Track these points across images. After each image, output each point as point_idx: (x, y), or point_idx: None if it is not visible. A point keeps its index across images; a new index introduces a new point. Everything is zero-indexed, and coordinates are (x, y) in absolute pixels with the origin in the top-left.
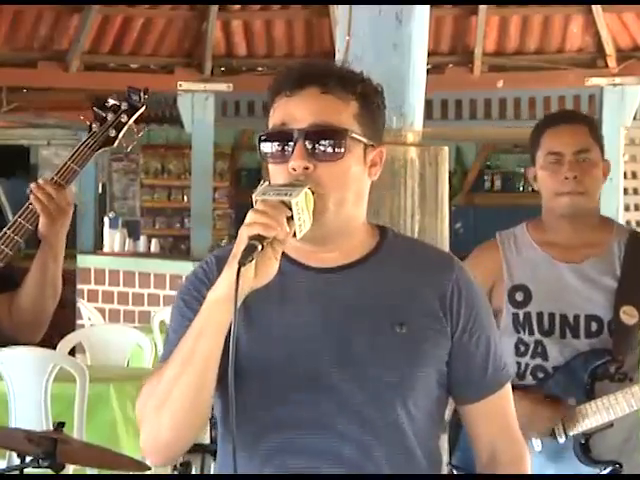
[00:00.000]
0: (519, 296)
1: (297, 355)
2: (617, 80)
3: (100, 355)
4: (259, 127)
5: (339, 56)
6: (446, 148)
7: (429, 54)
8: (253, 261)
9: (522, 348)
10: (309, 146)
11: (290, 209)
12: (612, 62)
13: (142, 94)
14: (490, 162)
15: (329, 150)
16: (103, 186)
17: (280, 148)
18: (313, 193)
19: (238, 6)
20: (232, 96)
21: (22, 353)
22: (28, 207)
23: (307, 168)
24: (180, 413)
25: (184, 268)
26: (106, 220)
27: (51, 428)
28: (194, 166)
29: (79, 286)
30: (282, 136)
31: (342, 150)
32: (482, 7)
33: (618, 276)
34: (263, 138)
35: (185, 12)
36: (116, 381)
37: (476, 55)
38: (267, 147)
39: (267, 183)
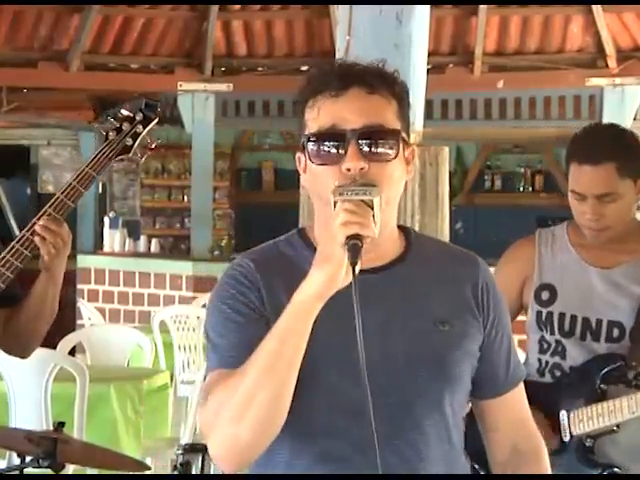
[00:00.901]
0: (545, 295)
1: (345, 356)
2: (617, 80)
3: (100, 355)
4: (259, 127)
5: (339, 56)
6: (446, 148)
7: (429, 54)
8: (360, 260)
9: (545, 345)
10: (363, 147)
11: (372, 208)
12: (612, 62)
13: (157, 106)
14: (490, 162)
15: (383, 150)
16: (103, 186)
17: (332, 149)
18: None
19: (238, 6)
20: (232, 96)
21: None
22: (25, 235)
23: (362, 168)
24: (262, 418)
25: (184, 268)
26: (106, 220)
27: (51, 428)
28: (194, 166)
29: (79, 286)
30: (334, 137)
31: (395, 150)
32: (482, 7)
33: None
34: (313, 139)
35: (185, 12)
36: (116, 381)
37: (476, 55)
38: (315, 149)
39: (337, 184)
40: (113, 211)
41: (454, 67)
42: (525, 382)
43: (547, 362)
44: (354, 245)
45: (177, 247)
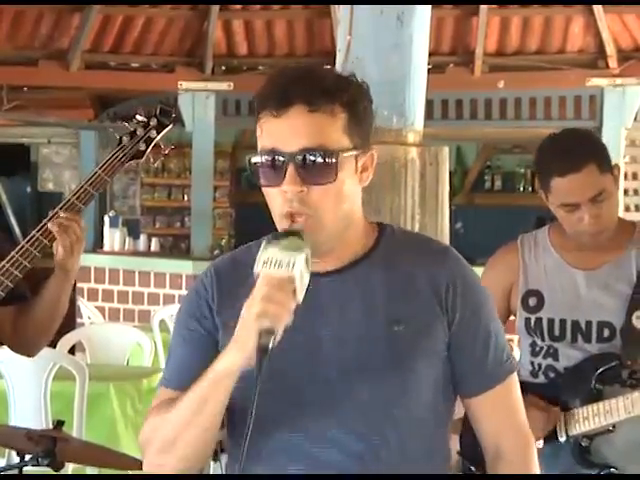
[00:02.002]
0: (532, 301)
1: (299, 359)
2: (618, 81)
3: (100, 354)
4: None
5: (340, 56)
6: (446, 148)
7: (430, 54)
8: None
9: (537, 349)
10: (301, 170)
11: (293, 282)
12: (613, 63)
13: (173, 112)
14: (490, 162)
15: (322, 173)
16: None
17: (271, 171)
18: (310, 217)
19: (239, 6)
20: (233, 95)
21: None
22: (35, 235)
23: (301, 192)
24: (190, 454)
25: (184, 267)
26: (106, 219)
27: (51, 426)
28: (194, 165)
29: (79, 284)
30: (273, 160)
31: (334, 172)
32: (483, 7)
33: (634, 282)
34: (254, 161)
35: (186, 11)
36: (116, 380)
37: (477, 55)
38: (259, 169)
39: (264, 243)
40: (113, 210)
41: (455, 67)
42: (520, 383)
43: (540, 364)
44: (264, 345)
45: (177, 246)
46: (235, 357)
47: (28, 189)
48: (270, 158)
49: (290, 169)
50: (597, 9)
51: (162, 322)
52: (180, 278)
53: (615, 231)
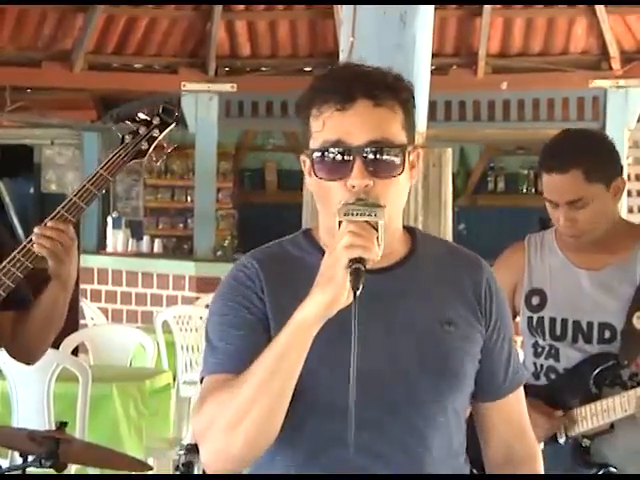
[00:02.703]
0: (535, 300)
1: (347, 358)
2: (621, 82)
3: (103, 355)
4: (263, 127)
5: (343, 57)
6: (450, 149)
7: (433, 55)
8: (362, 284)
9: (539, 349)
10: (369, 163)
11: (376, 230)
12: (616, 64)
13: (175, 111)
14: (493, 163)
15: (389, 167)
16: None
17: (338, 165)
18: None
19: (242, 6)
20: (236, 96)
21: None
22: (26, 246)
23: (367, 185)
24: (255, 432)
25: (187, 268)
26: (109, 220)
27: (54, 428)
28: (198, 166)
29: (82, 286)
30: (339, 153)
31: (401, 166)
32: (486, 9)
33: (637, 284)
34: (318, 154)
35: (189, 12)
36: (119, 381)
37: (480, 56)
38: (322, 163)
39: (343, 202)
40: (116, 211)
41: (458, 68)
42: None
43: (542, 365)
44: (357, 269)
45: (180, 247)
46: (321, 298)
47: (31, 190)
48: (336, 151)
49: (358, 162)
50: (600, 11)
51: (165, 323)
52: (183, 279)
53: (621, 233)
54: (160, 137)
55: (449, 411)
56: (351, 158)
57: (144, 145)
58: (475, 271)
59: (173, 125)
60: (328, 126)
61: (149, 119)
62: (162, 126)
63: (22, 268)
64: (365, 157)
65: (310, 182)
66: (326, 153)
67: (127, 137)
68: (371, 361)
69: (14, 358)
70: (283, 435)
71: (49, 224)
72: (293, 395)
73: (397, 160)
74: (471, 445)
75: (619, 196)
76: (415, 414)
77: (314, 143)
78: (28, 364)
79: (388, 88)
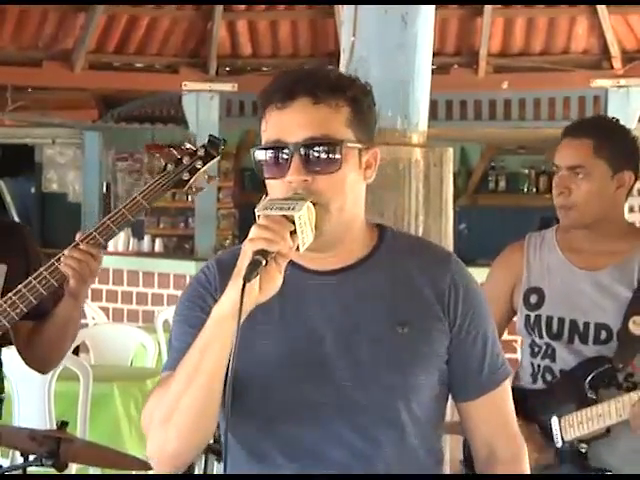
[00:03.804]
0: (533, 298)
1: (300, 358)
2: (622, 82)
3: (103, 354)
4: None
5: (344, 56)
6: (450, 149)
7: (434, 55)
8: (258, 276)
9: (536, 349)
10: (305, 160)
11: (293, 223)
12: (617, 63)
13: (221, 144)
14: (494, 163)
15: (326, 163)
16: (107, 186)
17: (276, 163)
18: (315, 204)
19: (243, 6)
20: (237, 96)
21: None
22: (54, 264)
23: (305, 181)
24: (187, 426)
25: (188, 268)
26: None
27: (54, 427)
28: None
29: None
30: (277, 151)
31: (339, 161)
32: (487, 8)
33: (635, 286)
34: (258, 153)
35: (190, 12)
36: (119, 380)
37: (481, 56)
38: (262, 162)
39: (268, 197)
40: None
41: (459, 68)
42: (519, 390)
43: (539, 365)
44: (254, 261)
45: (181, 247)
46: (233, 292)
47: (32, 190)
48: (275, 149)
49: (295, 159)
50: (601, 10)
51: (166, 323)
52: (184, 279)
53: (621, 234)
54: (203, 169)
55: (402, 412)
56: (288, 155)
57: (185, 175)
58: (439, 270)
59: (217, 159)
60: (270, 125)
61: (194, 149)
62: (206, 158)
63: (47, 285)
64: (302, 153)
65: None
66: (266, 152)
67: (169, 166)
68: (320, 363)
69: (29, 366)
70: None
71: (81, 246)
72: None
73: (335, 156)
74: (467, 447)
75: (623, 190)
76: (362, 416)
77: (261, 143)
78: (42, 372)
79: (329, 86)
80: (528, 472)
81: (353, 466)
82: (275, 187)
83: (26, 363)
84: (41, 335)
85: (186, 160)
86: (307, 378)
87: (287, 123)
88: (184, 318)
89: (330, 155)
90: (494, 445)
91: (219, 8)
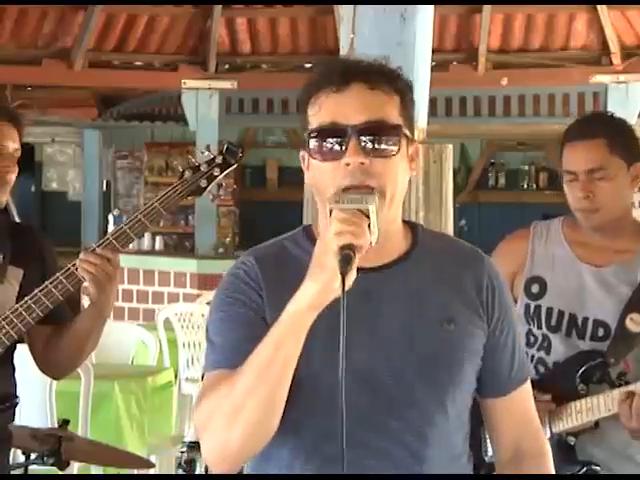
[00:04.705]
0: (535, 288)
1: (350, 356)
2: (621, 77)
3: (104, 352)
4: (263, 124)
5: (343, 54)
6: (450, 146)
7: (433, 51)
8: (352, 270)
9: (532, 339)
10: (364, 142)
11: (368, 217)
12: (617, 59)
13: (239, 152)
14: (494, 159)
15: (384, 146)
16: (107, 184)
17: (333, 145)
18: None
19: (242, 4)
20: (236, 93)
21: (27, 350)
22: (70, 269)
23: (363, 163)
24: (254, 424)
25: (188, 265)
26: (110, 217)
27: (56, 425)
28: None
29: (84, 284)
30: (335, 133)
31: (397, 146)
32: (486, 5)
33: (636, 285)
34: (314, 135)
35: (189, 10)
36: (120, 378)
37: (480, 52)
38: (317, 144)
39: (334, 191)
40: (117, 209)
41: (458, 64)
42: None
43: (532, 356)
44: (346, 255)
45: (181, 244)
46: (313, 286)
47: (32, 188)
48: (331, 131)
49: (353, 141)
50: (600, 6)
51: (167, 320)
52: (184, 276)
53: (629, 232)
54: (220, 177)
55: (449, 409)
56: (346, 138)
57: (203, 183)
58: (476, 266)
59: (235, 166)
60: (324, 109)
61: (212, 157)
62: (224, 166)
63: (63, 290)
64: (360, 136)
65: (308, 175)
66: (322, 134)
67: (187, 172)
68: (368, 360)
69: (42, 371)
70: (280, 433)
71: (97, 250)
72: (290, 395)
73: (393, 140)
74: (472, 444)
75: (636, 183)
76: (413, 413)
77: (311, 127)
78: (54, 379)
79: (384, 73)
80: (552, 466)
81: (408, 463)
82: (328, 171)
83: (40, 369)
84: (59, 343)
85: (204, 167)
86: (354, 377)
87: (345, 106)
88: (226, 315)
89: (388, 139)
90: (521, 440)
91: (218, 6)
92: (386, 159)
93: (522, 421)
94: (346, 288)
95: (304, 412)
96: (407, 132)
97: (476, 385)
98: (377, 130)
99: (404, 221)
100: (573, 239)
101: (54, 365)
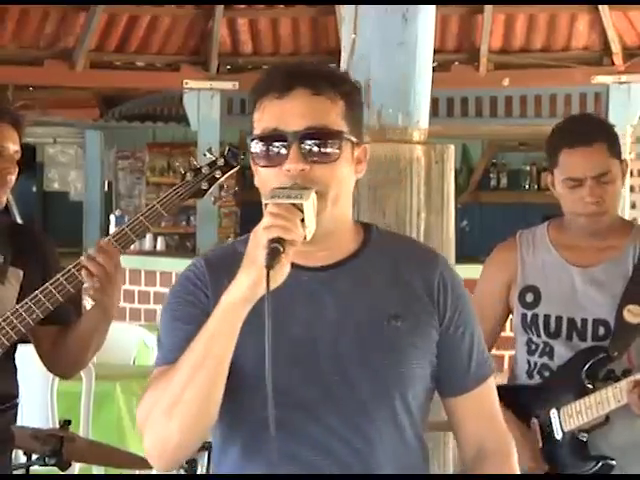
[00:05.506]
0: (529, 297)
1: (295, 354)
2: (623, 78)
3: (106, 353)
4: None
5: (345, 54)
6: (452, 146)
7: (435, 52)
8: (278, 264)
9: (532, 347)
10: (305, 149)
11: (302, 212)
12: (618, 60)
13: (241, 154)
14: (496, 160)
15: (325, 152)
16: (109, 184)
17: (274, 151)
18: (316, 193)
19: (244, 4)
20: (238, 94)
21: (28, 351)
22: (70, 270)
23: (303, 170)
24: (191, 417)
25: None
26: (112, 218)
27: (57, 426)
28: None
29: (85, 284)
30: (276, 139)
31: (338, 151)
32: (488, 5)
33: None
34: (255, 141)
35: (191, 10)
36: (122, 379)
37: (482, 53)
38: (259, 150)
39: (271, 187)
40: (119, 209)
41: (460, 65)
42: (515, 387)
43: (536, 363)
44: (273, 249)
45: (183, 245)
46: (245, 279)
47: (34, 189)
48: (272, 137)
49: (294, 147)
50: (602, 6)
51: None
52: None
53: (614, 229)
54: (222, 179)
55: (398, 408)
56: (287, 144)
57: (204, 185)
58: (429, 266)
59: (236, 168)
60: (267, 114)
61: (214, 159)
62: (225, 168)
63: (64, 292)
64: (301, 142)
65: (256, 179)
66: (264, 140)
67: (188, 175)
68: (314, 357)
69: (50, 371)
70: (227, 428)
71: (100, 244)
72: (231, 389)
73: (334, 146)
74: None
75: (624, 179)
76: (359, 412)
77: (254, 132)
78: (63, 378)
79: (327, 79)
80: (517, 466)
81: (350, 462)
82: (271, 176)
83: (48, 368)
84: (65, 343)
85: (205, 170)
86: (301, 375)
87: (286, 112)
88: (175, 314)
89: (329, 145)
90: (483, 439)
91: (220, 6)
92: (327, 165)
93: (484, 419)
94: (279, 282)
95: (247, 406)
96: (351, 137)
97: (434, 384)
98: (318, 136)
99: (359, 222)
100: (560, 243)
101: (61, 365)
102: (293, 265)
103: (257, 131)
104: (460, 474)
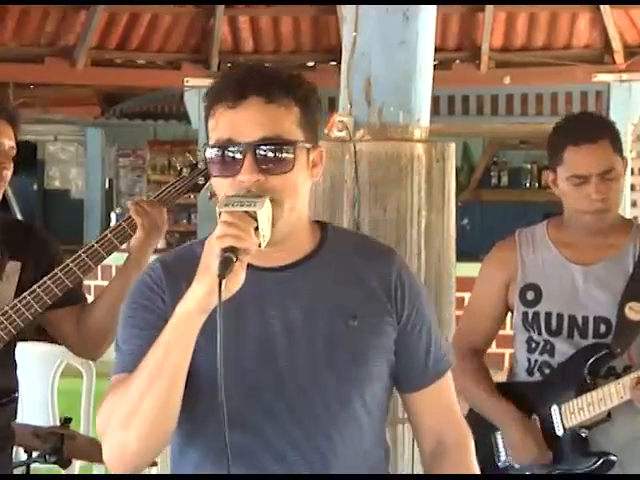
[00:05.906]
0: (530, 295)
1: (253, 356)
2: (624, 76)
3: (106, 351)
4: None
5: (346, 53)
6: (453, 144)
7: (436, 50)
8: (231, 273)
9: (533, 345)
10: (259, 160)
11: (255, 220)
12: (619, 58)
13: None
14: (497, 158)
15: (279, 163)
16: (110, 182)
17: (228, 162)
18: (271, 201)
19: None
20: None
21: (29, 348)
22: (94, 246)
23: (258, 181)
24: (149, 425)
25: None
26: (113, 216)
27: (58, 424)
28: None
29: (86, 282)
30: (230, 150)
31: (292, 162)
32: (489, 4)
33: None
34: (209, 151)
35: (192, 8)
36: None
37: (483, 51)
38: (214, 160)
39: (226, 194)
40: (120, 207)
41: (461, 63)
42: (516, 384)
43: (536, 360)
44: (226, 258)
45: (184, 243)
46: (199, 288)
47: (34, 187)
48: (227, 148)
49: (248, 158)
50: (603, 5)
51: None
52: None
53: (615, 227)
54: None
55: (356, 405)
56: (241, 155)
57: (200, 180)
58: (386, 263)
59: None
60: (220, 124)
61: None
62: None
63: (62, 286)
64: (255, 153)
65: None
66: (218, 150)
67: (185, 170)
68: (271, 359)
69: (76, 354)
70: (187, 433)
71: (137, 199)
72: (191, 394)
73: (288, 157)
74: (479, 443)
75: (625, 176)
76: (318, 411)
77: (210, 141)
78: (92, 359)
79: (281, 86)
80: (475, 459)
81: (310, 462)
82: (225, 186)
83: (76, 352)
84: (93, 315)
85: (201, 165)
86: (264, 376)
87: (239, 122)
88: (132, 321)
89: (283, 155)
90: (441, 433)
91: (221, 4)
92: (282, 175)
93: (443, 414)
94: (233, 291)
95: (206, 412)
96: (306, 144)
97: (392, 382)
98: (272, 147)
99: (316, 221)
100: (560, 241)
101: (89, 344)
102: (251, 266)
103: (212, 141)
104: (452, 474)
